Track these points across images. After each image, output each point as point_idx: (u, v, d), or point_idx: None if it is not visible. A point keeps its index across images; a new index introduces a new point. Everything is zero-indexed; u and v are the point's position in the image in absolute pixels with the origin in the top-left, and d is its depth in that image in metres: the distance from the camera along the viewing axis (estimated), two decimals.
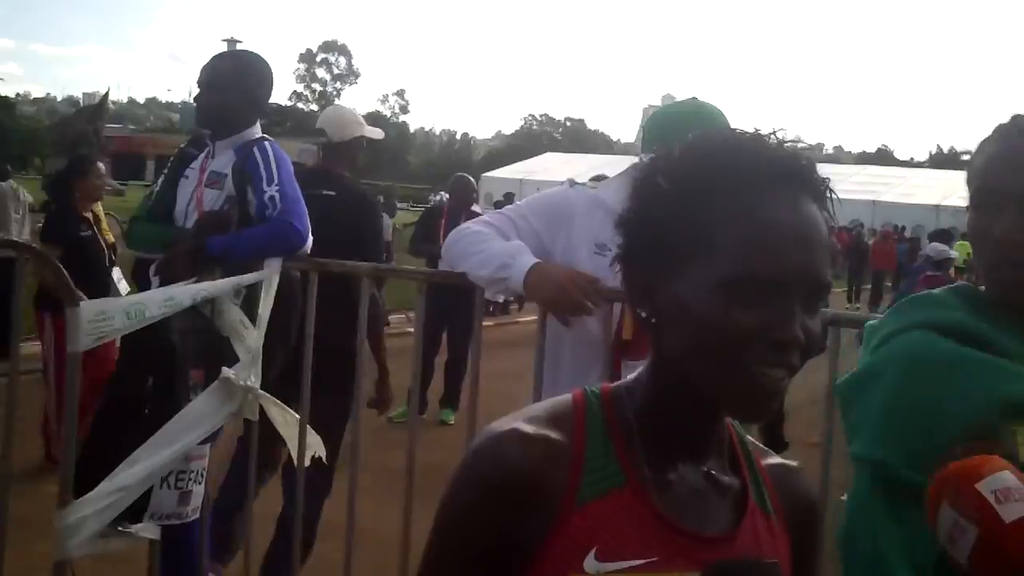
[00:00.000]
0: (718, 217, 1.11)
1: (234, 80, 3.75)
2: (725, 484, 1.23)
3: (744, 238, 1.09)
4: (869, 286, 26.11)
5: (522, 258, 2.77)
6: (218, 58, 3.92)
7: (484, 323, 3.31)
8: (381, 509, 4.02)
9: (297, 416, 3.49)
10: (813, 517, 1.33)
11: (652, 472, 1.18)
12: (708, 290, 1.10)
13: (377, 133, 5.21)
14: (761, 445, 1.34)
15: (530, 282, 2.73)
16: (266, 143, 3.67)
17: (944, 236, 14.46)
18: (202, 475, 3.39)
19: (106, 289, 6.63)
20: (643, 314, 1.19)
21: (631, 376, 1.27)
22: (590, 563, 1.13)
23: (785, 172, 1.12)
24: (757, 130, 1.17)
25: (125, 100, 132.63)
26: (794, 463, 1.35)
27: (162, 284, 3.44)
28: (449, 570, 1.20)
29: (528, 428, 1.18)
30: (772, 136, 1.16)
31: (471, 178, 9.88)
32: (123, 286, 6.83)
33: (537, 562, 1.15)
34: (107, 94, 18.67)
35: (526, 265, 2.75)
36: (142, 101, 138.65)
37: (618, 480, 1.17)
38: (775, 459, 1.33)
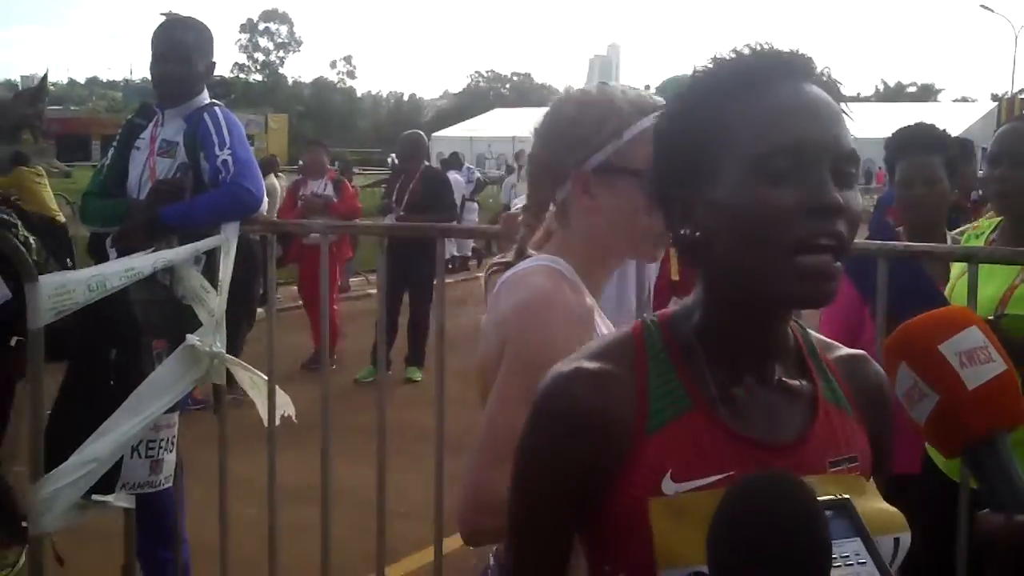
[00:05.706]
0: (735, 114, 1.15)
1: (193, 49, 3.73)
2: (795, 388, 1.24)
3: (760, 119, 1.13)
4: None
5: None
6: (170, 28, 3.86)
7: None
8: (355, 469, 4.01)
9: (264, 377, 3.50)
10: (883, 400, 1.33)
11: (719, 389, 1.20)
12: (739, 181, 1.13)
13: None
14: (825, 338, 1.33)
15: None
16: (216, 108, 3.65)
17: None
18: (172, 443, 3.40)
19: None
20: (688, 232, 1.19)
21: (686, 300, 1.28)
22: (667, 484, 1.15)
23: (789, 65, 1.17)
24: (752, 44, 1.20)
25: (65, 81, 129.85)
26: (860, 351, 1.36)
27: (119, 256, 3.43)
28: (535, 508, 1.24)
29: (591, 365, 1.20)
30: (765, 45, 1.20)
31: (421, 133, 9.86)
32: None
33: (617, 492, 1.17)
34: (46, 76, 18.17)
35: None
36: (82, 81, 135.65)
37: (685, 403, 1.19)
38: (841, 350, 1.33)
